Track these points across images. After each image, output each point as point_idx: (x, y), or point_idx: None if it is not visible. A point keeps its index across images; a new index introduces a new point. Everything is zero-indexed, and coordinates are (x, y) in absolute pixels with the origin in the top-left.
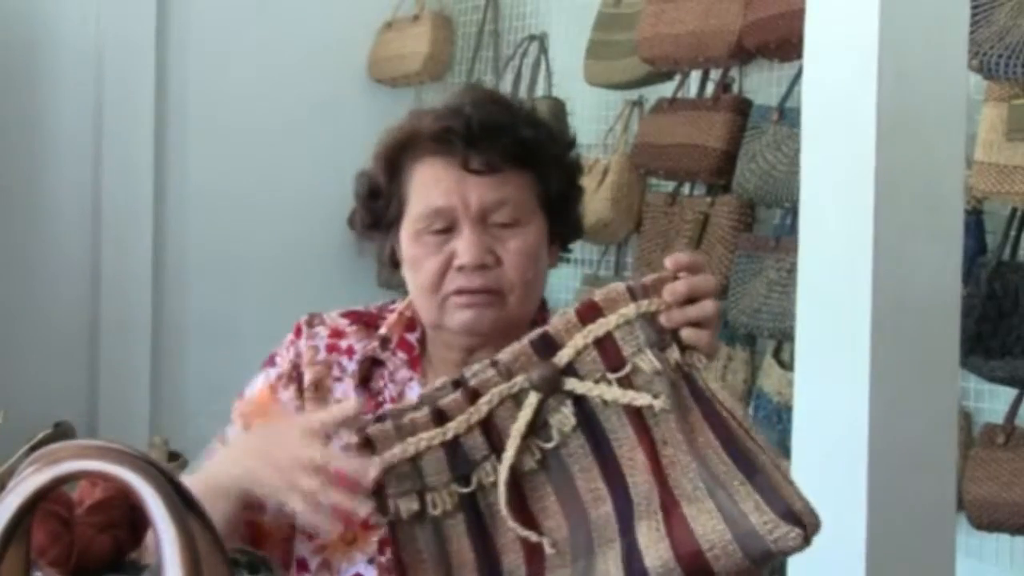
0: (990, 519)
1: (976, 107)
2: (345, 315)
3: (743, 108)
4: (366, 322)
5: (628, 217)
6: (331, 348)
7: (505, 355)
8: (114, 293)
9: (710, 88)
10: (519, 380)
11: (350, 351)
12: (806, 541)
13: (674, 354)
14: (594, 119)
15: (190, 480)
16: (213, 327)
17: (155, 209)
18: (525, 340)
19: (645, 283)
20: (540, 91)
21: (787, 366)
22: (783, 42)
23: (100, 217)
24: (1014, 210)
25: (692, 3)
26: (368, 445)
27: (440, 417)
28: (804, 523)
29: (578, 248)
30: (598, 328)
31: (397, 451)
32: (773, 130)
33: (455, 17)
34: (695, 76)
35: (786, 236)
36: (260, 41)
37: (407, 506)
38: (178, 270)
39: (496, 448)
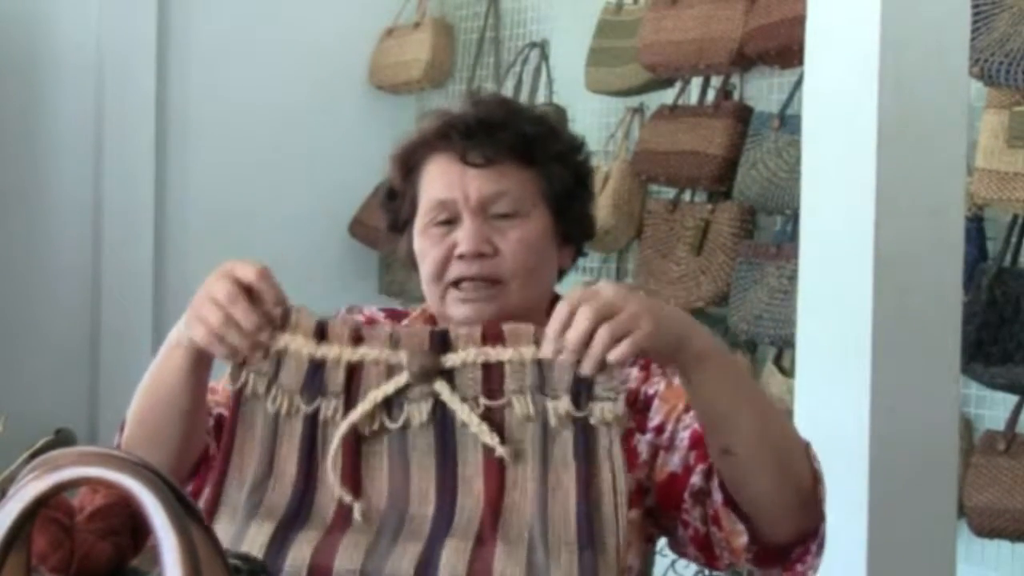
0: (991, 526)
1: (977, 114)
2: (383, 309)
3: (744, 115)
4: (399, 317)
5: (629, 224)
6: None
7: (406, 328)
8: (115, 300)
9: (711, 95)
10: (402, 356)
11: None
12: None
13: (564, 405)
14: (595, 126)
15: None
16: None
17: (156, 216)
18: (427, 328)
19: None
20: (541, 98)
21: (788, 373)
22: (784, 49)
23: (101, 224)
24: (1015, 217)
25: (693, 10)
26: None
27: (321, 335)
28: None
29: None
30: (493, 354)
31: (266, 336)
32: (774, 137)
33: (456, 24)
34: (696, 83)
35: (787, 243)
36: (261, 47)
37: (255, 385)
38: (179, 277)
39: (348, 395)
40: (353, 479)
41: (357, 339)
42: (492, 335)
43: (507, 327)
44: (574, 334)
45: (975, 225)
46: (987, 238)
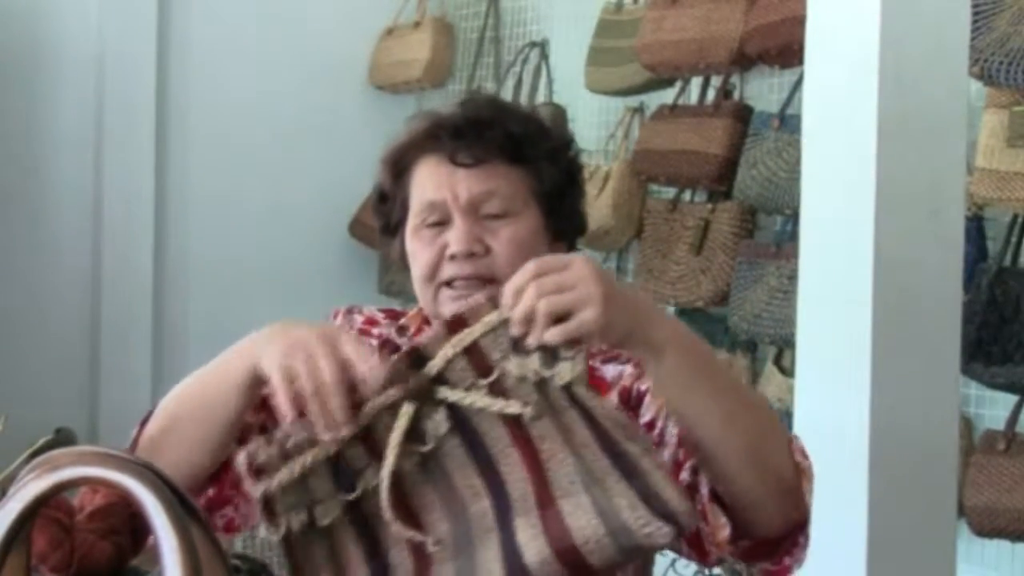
0: (991, 526)
1: (977, 114)
2: (382, 310)
3: (744, 115)
4: (398, 317)
5: (629, 224)
6: (363, 331)
7: (375, 371)
8: (115, 299)
9: (711, 95)
10: (392, 392)
11: (380, 337)
12: (679, 537)
13: (533, 363)
14: (595, 126)
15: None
16: (214, 333)
17: (156, 215)
18: (396, 355)
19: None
20: (541, 97)
21: (788, 372)
22: (784, 49)
23: (101, 223)
24: (1015, 216)
25: (693, 10)
26: (259, 473)
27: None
28: (679, 521)
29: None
30: (465, 337)
31: (284, 473)
32: (774, 137)
33: (456, 23)
34: (696, 83)
35: (787, 243)
36: (261, 47)
37: (298, 519)
38: (179, 276)
39: (376, 455)
40: (413, 521)
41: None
42: (454, 323)
43: (463, 308)
44: (519, 310)
45: (975, 225)
46: (987, 238)
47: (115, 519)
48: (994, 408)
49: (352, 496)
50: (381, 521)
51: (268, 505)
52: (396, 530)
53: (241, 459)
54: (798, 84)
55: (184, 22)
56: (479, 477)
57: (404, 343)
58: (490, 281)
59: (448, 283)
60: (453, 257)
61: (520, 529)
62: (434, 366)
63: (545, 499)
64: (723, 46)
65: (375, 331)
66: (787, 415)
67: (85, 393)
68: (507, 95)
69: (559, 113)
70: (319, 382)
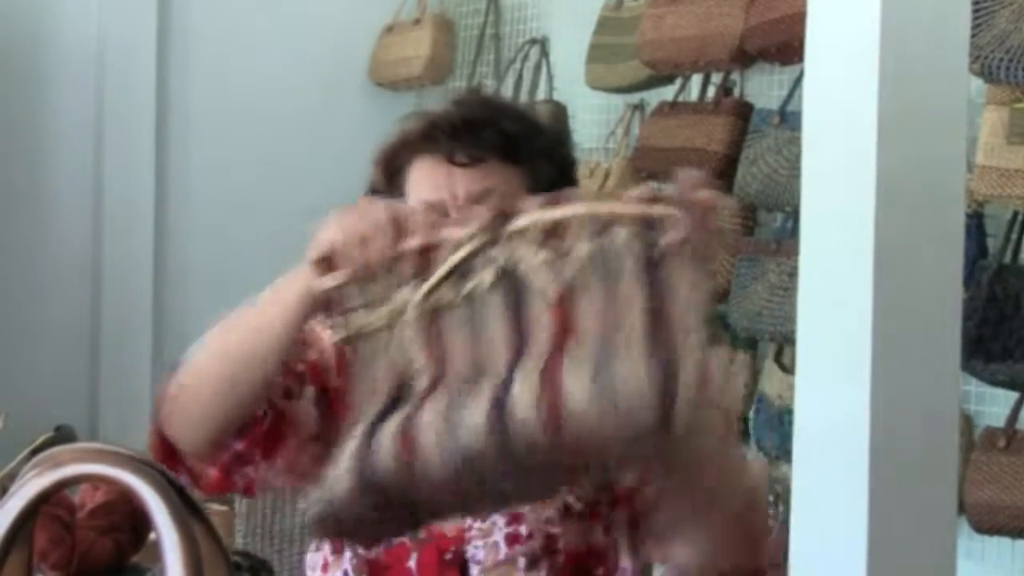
0: (991, 523)
1: (977, 111)
2: None
3: (744, 112)
4: None
5: None
6: None
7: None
8: (115, 296)
9: (711, 92)
10: (470, 225)
11: None
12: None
13: (623, 236)
14: (595, 123)
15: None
16: None
17: (156, 212)
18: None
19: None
20: (541, 95)
21: (788, 369)
22: (784, 46)
23: (101, 220)
24: (1015, 214)
25: (693, 7)
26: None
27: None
28: (671, 420)
29: None
30: (558, 213)
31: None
32: (774, 134)
33: (456, 20)
34: (696, 80)
35: (787, 240)
36: (261, 44)
37: (365, 327)
38: (179, 273)
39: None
40: (438, 358)
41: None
42: (553, 200)
43: (568, 194)
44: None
45: (975, 222)
46: (987, 235)
47: (116, 516)
48: (994, 405)
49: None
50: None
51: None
52: (415, 351)
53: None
54: (798, 81)
55: (184, 20)
56: (506, 334)
57: None
58: None
59: None
60: None
61: (518, 380)
62: (518, 223)
63: (555, 360)
64: (723, 43)
65: None
66: (787, 412)
67: (85, 391)
68: (507, 92)
69: (559, 110)
70: (376, 222)
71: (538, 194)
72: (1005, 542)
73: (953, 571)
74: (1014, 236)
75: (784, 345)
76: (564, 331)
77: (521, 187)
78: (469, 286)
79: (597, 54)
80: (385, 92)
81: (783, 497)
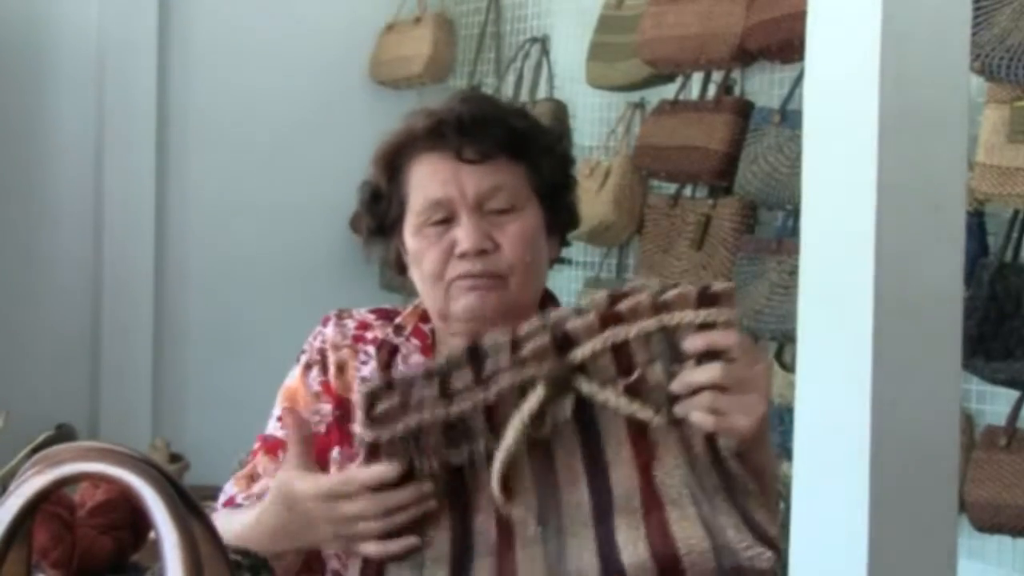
0: (992, 521)
1: (978, 109)
2: (372, 311)
3: (745, 110)
4: (390, 316)
5: (630, 219)
6: (357, 339)
7: (525, 346)
8: (116, 296)
9: (712, 90)
10: (532, 370)
11: (375, 341)
12: (778, 562)
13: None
14: (596, 121)
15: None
16: (215, 329)
17: (157, 212)
18: (547, 336)
19: (667, 299)
20: (542, 93)
21: (789, 368)
22: (785, 44)
23: (102, 220)
24: (1016, 212)
25: (694, 5)
26: (373, 418)
27: (444, 389)
28: (776, 547)
29: (580, 250)
30: (617, 334)
31: (400, 427)
32: (775, 132)
33: (457, 19)
34: (697, 78)
35: (788, 238)
36: (261, 43)
37: (398, 465)
38: (180, 273)
39: (494, 427)
40: (508, 494)
41: (480, 381)
42: (610, 318)
43: (624, 307)
44: (689, 378)
45: (976, 220)
46: (988, 233)
47: (116, 515)
48: (995, 404)
49: (459, 461)
50: (476, 485)
51: (373, 448)
52: (501, 505)
53: (359, 396)
54: (799, 79)
55: (184, 20)
56: (583, 464)
57: (401, 343)
58: (499, 277)
59: (459, 278)
60: (463, 255)
61: (620, 528)
62: (579, 354)
63: (651, 503)
64: (724, 42)
65: (369, 335)
66: (788, 411)
67: (86, 390)
68: (508, 91)
69: (560, 109)
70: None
71: (542, 191)
72: (1006, 540)
73: (954, 569)
74: (1015, 235)
75: (785, 343)
76: (648, 467)
77: (527, 184)
78: (546, 429)
79: (598, 52)
80: (386, 91)
81: (784, 495)
